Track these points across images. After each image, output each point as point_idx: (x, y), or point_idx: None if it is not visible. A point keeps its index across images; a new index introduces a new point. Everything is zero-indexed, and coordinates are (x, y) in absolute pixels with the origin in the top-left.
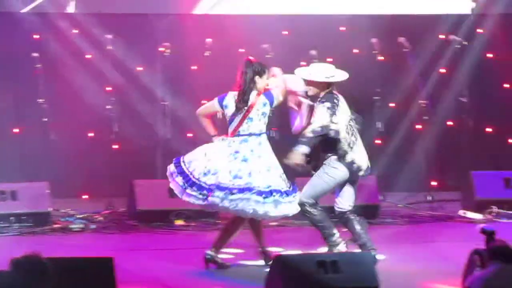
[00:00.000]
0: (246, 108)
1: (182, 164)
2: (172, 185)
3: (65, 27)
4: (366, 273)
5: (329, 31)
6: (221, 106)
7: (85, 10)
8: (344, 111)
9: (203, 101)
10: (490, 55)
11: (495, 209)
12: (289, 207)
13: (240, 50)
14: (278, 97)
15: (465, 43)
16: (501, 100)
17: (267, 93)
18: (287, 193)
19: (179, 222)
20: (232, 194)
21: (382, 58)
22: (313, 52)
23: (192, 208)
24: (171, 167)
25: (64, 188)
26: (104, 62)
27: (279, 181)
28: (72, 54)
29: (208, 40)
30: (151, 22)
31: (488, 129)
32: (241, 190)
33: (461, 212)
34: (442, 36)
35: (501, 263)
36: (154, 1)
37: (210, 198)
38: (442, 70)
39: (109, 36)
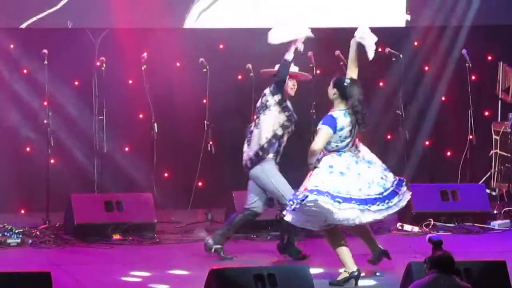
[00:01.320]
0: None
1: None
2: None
3: (1, 41)
4: (303, 286)
5: (265, 44)
6: (335, 130)
7: (21, 24)
8: None
9: (140, 115)
10: (426, 68)
11: (432, 221)
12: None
13: (177, 64)
14: None
15: (401, 56)
16: (439, 113)
17: None
18: None
19: (116, 236)
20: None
21: (318, 71)
22: (249, 66)
23: (129, 222)
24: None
25: (1, 202)
26: (40, 76)
27: None
28: (8, 69)
29: (144, 54)
30: (87, 36)
31: (426, 142)
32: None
33: (398, 225)
34: (378, 49)
35: (439, 272)
36: (90, 15)
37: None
38: (380, 83)
39: (45, 51)
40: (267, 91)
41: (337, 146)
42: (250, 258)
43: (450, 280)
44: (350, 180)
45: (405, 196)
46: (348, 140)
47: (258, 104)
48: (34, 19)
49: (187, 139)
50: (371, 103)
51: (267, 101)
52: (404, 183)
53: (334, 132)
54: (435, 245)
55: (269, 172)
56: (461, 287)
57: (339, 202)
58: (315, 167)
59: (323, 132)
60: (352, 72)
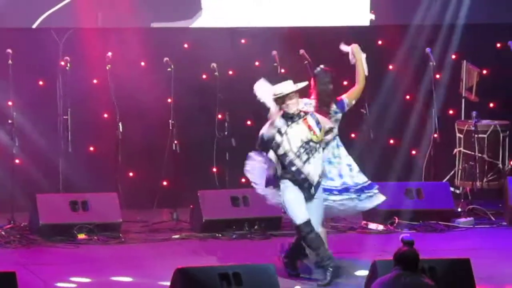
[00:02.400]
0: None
1: None
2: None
3: None
4: (268, 285)
5: (230, 44)
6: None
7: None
8: None
9: (104, 115)
10: (391, 67)
11: (396, 219)
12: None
13: (142, 63)
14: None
15: (365, 55)
16: (403, 111)
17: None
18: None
19: (81, 236)
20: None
21: (283, 70)
22: (214, 65)
23: (95, 222)
24: None
25: None
26: (5, 76)
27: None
28: None
29: (109, 53)
30: (52, 36)
31: (390, 141)
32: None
33: (362, 223)
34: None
35: (402, 269)
36: (54, 15)
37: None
38: (344, 82)
39: (9, 51)
40: None
41: None
42: (216, 257)
43: (413, 278)
44: None
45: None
46: None
47: None
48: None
49: (152, 138)
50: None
51: None
52: (365, 193)
53: None
54: (407, 245)
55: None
56: (424, 285)
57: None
58: None
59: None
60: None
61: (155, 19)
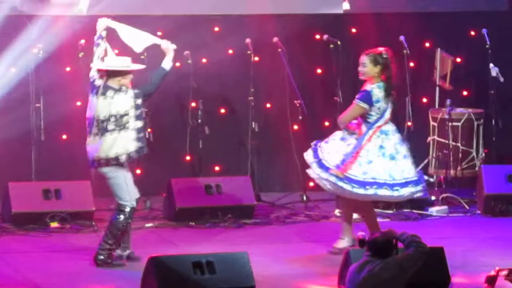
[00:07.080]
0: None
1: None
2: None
3: None
4: (242, 273)
5: (203, 32)
6: (371, 104)
7: None
8: None
9: (77, 103)
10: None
11: None
12: None
13: (115, 51)
14: None
15: (339, 43)
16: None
17: None
18: None
19: (54, 224)
20: None
21: (257, 58)
22: (187, 53)
23: (67, 210)
24: None
25: None
26: None
27: None
28: None
29: (82, 41)
30: (24, 23)
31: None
32: None
33: (336, 212)
34: (317, 36)
35: (369, 255)
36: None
37: None
38: (318, 70)
39: None
40: None
41: (380, 120)
42: (189, 245)
43: (377, 265)
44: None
45: None
46: (388, 115)
47: None
48: None
49: None
50: (309, 90)
51: None
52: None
53: (371, 105)
54: (360, 244)
55: None
56: (384, 271)
57: (398, 190)
58: None
59: (352, 108)
60: None
61: (129, 6)
